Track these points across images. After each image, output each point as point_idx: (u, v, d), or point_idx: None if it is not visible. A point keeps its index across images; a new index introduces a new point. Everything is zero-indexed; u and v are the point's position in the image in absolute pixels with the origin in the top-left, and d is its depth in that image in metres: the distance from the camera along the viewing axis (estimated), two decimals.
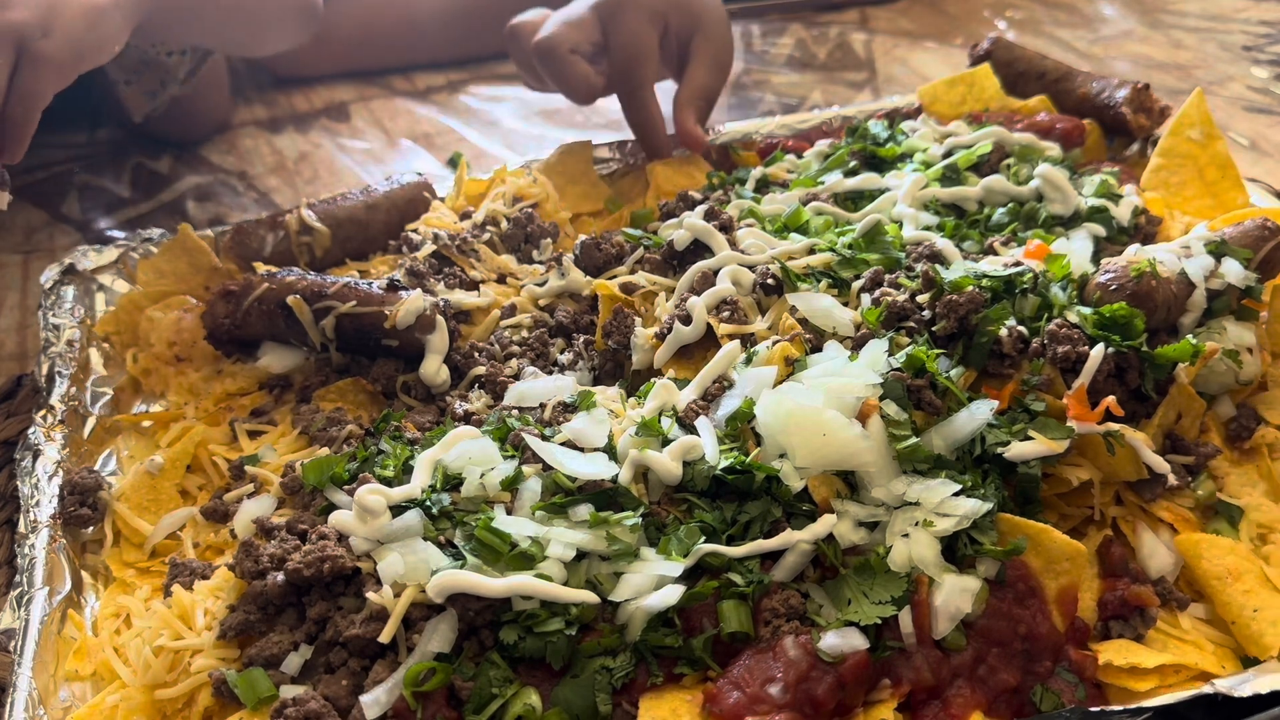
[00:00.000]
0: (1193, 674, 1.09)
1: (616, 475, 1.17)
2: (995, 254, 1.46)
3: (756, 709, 1.02)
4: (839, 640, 1.04)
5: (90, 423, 1.49)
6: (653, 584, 1.08)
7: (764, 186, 1.76)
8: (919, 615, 1.08)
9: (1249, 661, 1.11)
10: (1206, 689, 1.03)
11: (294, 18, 2.07)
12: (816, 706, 1.02)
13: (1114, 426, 1.19)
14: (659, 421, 1.22)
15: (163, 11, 1.68)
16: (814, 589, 1.11)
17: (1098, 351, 1.21)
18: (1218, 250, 1.37)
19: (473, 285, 1.60)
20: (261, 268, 1.67)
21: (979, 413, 1.19)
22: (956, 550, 1.12)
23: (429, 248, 1.61)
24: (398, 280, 1.49)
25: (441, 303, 1.47)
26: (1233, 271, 1.35)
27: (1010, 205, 1.57)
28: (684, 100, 1.89)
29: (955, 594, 1.09)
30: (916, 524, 1.12)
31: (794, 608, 1.08)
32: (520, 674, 1.06)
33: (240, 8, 1.88)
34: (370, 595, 1.09)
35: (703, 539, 1.11)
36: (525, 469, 1.19)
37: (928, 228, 1.52)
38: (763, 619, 1.08)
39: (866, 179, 1.66)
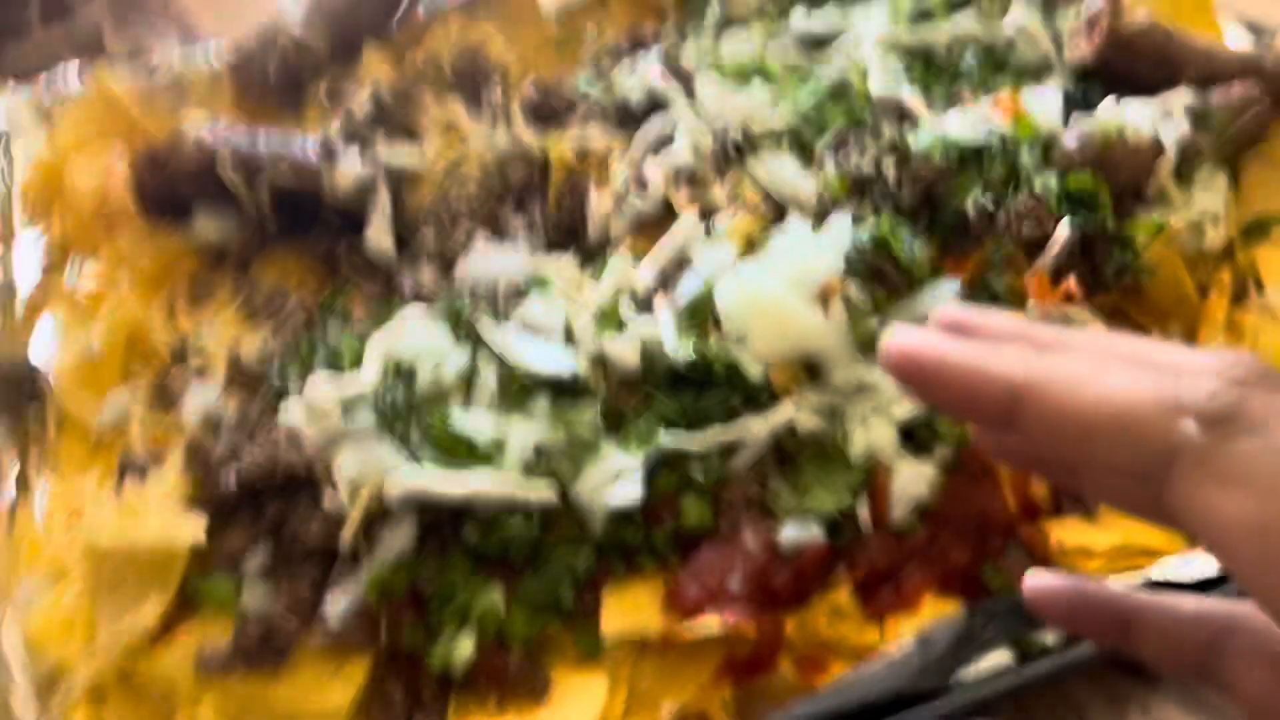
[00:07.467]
0: (1138, 551, 1.11)
1: (574, 365, 1.15)
2: (962, 102, 1.40)
3: (717, 600, 1.04)
4: (797, 531, 1.06)
5: (19, 296, 1.42)
6: (613, 477, 1.08)
7: (725, 24, 1.65)
8: (876, 502, 1.09)
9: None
10: (1152, 573, 1.05)
11: None
12: (774, 596, 1.04)
13: (1071, 309, 1.17)
14: (617, 307, 1.19)
15: None
16: (773, 478, 1.11)
17: (1062, 231, 1.18)
18: (1200, 113, 1.32)
19: (415, 137, 1.51)
20: (190, 116, 1.56)
21: (942, 293, 1.17)
22: (915, 436, 1.12)
23: (366, 104, 1.51)
24: (333, 142, 1.40)
25: (383, 167, 1.39)
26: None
27: (980, 48, 1.49)
28: None
29: (912, 480, 1.09)
30: (875, 410, 1.12)
31: (753, 498, 1.09)
32: (483, 572, 1.06)
33: None
34: (327, 496, 1.07)
35: (662, 430, 1.10)
36: (480, 361, 1.16)
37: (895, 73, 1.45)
38: (722, 510, 1.08)
39: (832, 18, 1.57)
